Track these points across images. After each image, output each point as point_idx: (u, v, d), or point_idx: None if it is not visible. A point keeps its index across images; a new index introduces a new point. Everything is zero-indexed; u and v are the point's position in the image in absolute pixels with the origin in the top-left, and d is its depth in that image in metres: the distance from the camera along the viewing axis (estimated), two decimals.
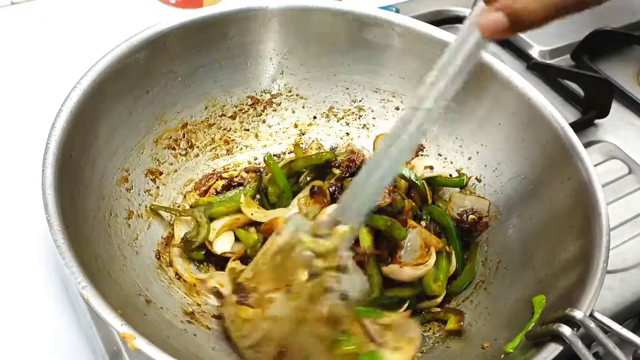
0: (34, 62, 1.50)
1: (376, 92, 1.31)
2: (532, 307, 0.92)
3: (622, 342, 0.80)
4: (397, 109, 1.30)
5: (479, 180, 1.20)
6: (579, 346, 0.77)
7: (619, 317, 1.12)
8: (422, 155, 1.27)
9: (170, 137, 1.20)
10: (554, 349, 0.80)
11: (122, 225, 1.05)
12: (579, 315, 0.80)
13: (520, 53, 1.64)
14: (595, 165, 1.00)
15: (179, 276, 1.07)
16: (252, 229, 1.12)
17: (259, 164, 1.28)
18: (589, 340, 0.80)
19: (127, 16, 1.63)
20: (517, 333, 0.89)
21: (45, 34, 1.56)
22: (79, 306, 1.03)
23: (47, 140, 0.92)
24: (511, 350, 0.88)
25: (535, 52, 1.65)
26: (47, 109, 0.98)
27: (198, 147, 1.24)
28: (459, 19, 1.72)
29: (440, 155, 1.26)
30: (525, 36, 1.66)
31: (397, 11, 1.39)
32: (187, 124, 1.22)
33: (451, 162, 1.25)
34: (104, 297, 0.79)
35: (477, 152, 1.21)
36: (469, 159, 1.22)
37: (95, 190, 1.01)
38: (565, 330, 0.79)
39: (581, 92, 1.51)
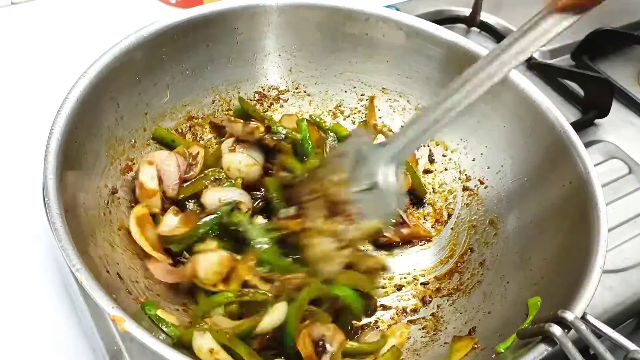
0: (34, 62, 1.51)
1: (383, 91, 1.32)
2: (528, 309, 0.92)
3: (615, 345, 0.79)
4: (404, 109, 1.31)
5: (482, 183, 1.20)
6: (569, 347, 0.77)
7: (619, 317, 1.12)
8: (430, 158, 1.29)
9: (176, 130, 1.21)
10: (544, 349, 0.80)
11: (125, 213, 1.06)
12: (570, 316, 0.80)
13: None
14: (595, 165, 1.00)
15: None
16: None
17: None
18: (585, 343, 0.80)
19: (127, 16, 1.65)
20: (511, 334, 0.89)
21: (45, 34, 1.58)
22: (79, 306, 1.03)
23: (52, 127, 0.93)
24: (502, 351, 0.88)
25: (535, 52, 1.63)
26: (47, 109, 0.99)
27: (203, 139, 1.25)
28: (459, 19, 1.73)
29: (445, 156, 1.27)
30: None
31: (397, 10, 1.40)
32: (193, 117, 1.24)
33: (455, 163, 1.25)
34: (99, 281, 0.80)
35: (482, 154, 1.21)
36: (473, 160, 1.23)
37: (97, 177, 1.02)
38: (556, 330, 0.79)
39: (581, 92, 1.51)
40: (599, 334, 0.80)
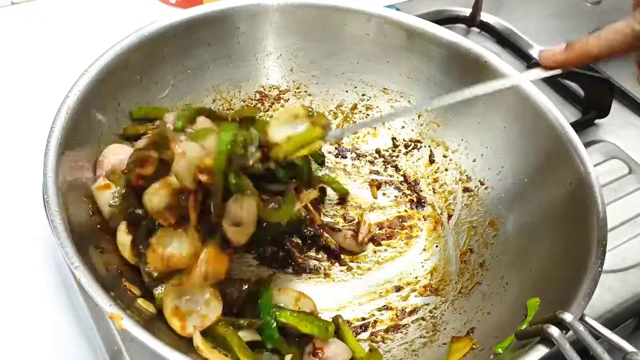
0: (34, 61, 1.51)
1: (384, 91, 1.32)
2: (526, 310, 0.92)
3: (613, 347, 0.79)
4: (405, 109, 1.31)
5: (482, 184, 1.20)
6: (567, 348, 0.77)
7: (618, 318, 1.12)
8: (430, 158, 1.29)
9: None
10: (542, 350, 0.80)
11: None
12: (568, 318, 0.80)
13: (520, 53, 1.63)
14: (595, 165, 1.00)
15: None
16: None
17: None
18: (584, 345, 0.79)
19: (127, 16, 1.65)
20: (509, 335, 0.89)
21: (45, 34, 1.58)
22: (79, 306, 1.03)
23: (52, 125, 0.93)
24: (500, 351, 0.88)
25: (535, 52, 1.63)
26: (47, 108, 0.99)
27: None
28: (459, 19, 1.72)
29: (445, 157, 1.27)
30: (525, 36, 1.65)
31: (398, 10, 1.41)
32: None
33: (455, 164, 1.25)
34: (98, 280, 0.80)
35: (482, 155, 1.21)
36: (474, 161, 1.22)
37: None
38: (554, 331, 0.79)
39: (581, 92, 1.50)
40: (597, 335, 0.80)
